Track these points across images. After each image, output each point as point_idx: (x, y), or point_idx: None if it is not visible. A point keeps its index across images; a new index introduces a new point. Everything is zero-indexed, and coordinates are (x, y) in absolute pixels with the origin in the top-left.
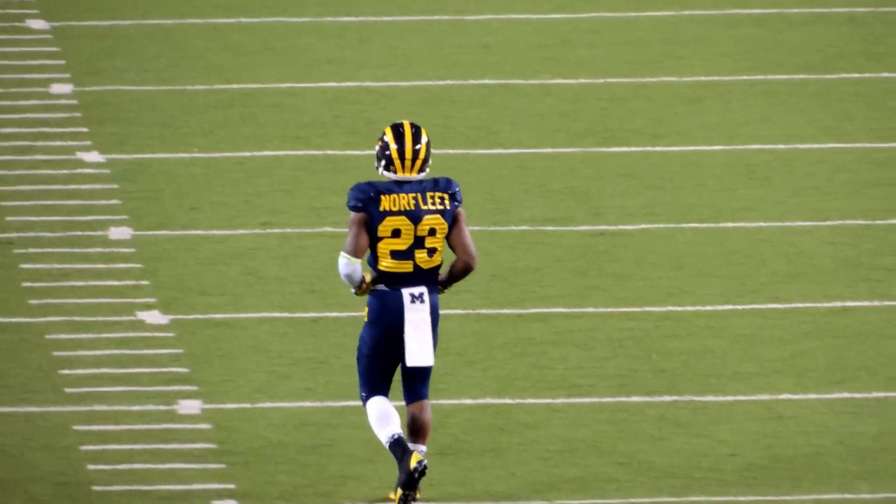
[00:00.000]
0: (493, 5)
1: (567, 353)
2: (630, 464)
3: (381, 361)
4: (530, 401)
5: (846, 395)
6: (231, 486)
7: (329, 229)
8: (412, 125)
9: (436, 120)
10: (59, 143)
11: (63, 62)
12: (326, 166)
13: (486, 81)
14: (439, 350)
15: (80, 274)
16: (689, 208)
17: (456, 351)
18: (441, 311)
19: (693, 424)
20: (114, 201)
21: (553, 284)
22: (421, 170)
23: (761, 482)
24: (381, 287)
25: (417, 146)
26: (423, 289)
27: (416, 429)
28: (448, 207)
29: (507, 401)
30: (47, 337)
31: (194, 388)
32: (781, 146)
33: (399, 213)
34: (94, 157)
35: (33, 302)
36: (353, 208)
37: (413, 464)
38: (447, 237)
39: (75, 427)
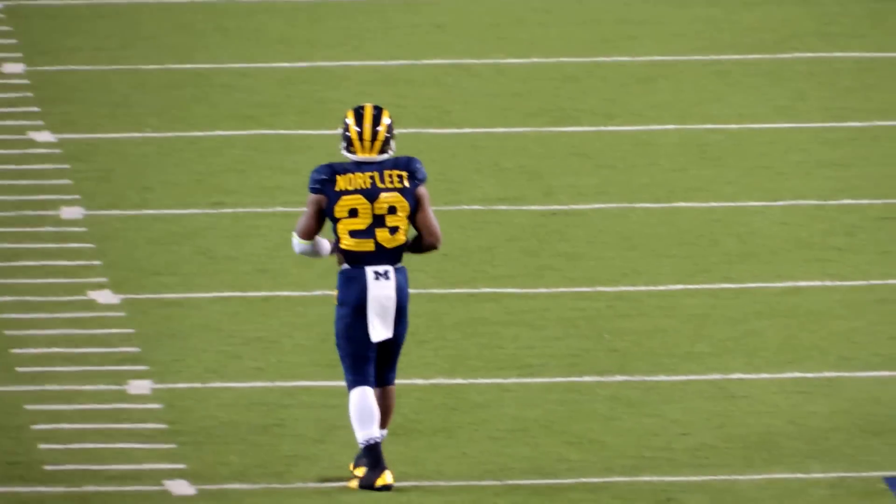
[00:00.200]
0: None
1: (518, 333)
2: (581, 443)
3: (356, 342)
4: (482, 380)
5: (798, 374)
6: (182, 465)
7: (281, 209)
8: (374, 107)
9: (388, 99)
10: (10, 122)
11: (15, 41)
12: (278, 146)
13: (439, 61)
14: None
15: (31, 254)
16: (642, 188)
17: (408, 331)
18: None
19: (644, 404)
20: (65, 181)
21: (505, 264)
22: (381, 151)
23: (713, 462)
24: (346, 266)
25: (377, 128)
26: (388, 267)
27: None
28: (408, 185)
29: (459, 381)
30: None
31: (145, 367)
32: (734, 126)
33: (355, 191)
34: (45, 136)
35: None
36: (311, 190)
37: (379, 484)
38: (411, 218)
39: (27, 406)
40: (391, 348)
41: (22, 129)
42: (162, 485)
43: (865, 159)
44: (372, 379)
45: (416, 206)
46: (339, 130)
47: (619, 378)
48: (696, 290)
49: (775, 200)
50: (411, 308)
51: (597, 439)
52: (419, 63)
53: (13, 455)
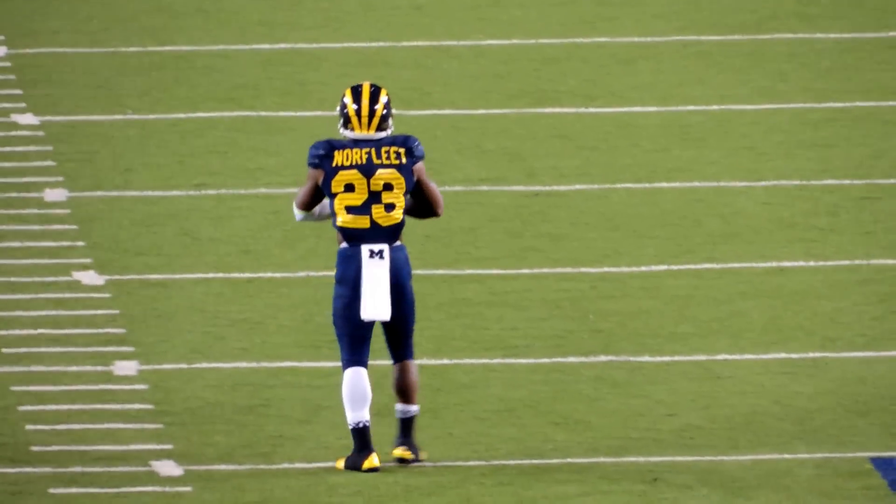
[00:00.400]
0: None
1: (503, 314)
2: (566, 424)
3: (351, 322)
4: (467, 361)
5: (782, 355)
6: (168, 446)
7: (263, 190)
8: (371, 85)
9: (369, 81)
10: None
11: None
12: (260, 127)
13: (419, 43)
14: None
15: (15, 235)
16: (624, 169)
17: None
18: None
19: (629, 385)
20: (48, 163)
21: (488, 245)
22: (379, 128)
23: (698, 442)
24: (344, 245)
25: (375, 105)
26: (383, 245)
27: (401, 390)
28: (405, 162)
29: (444, 361)
30: None
31: (130, 348)
32: (715, 107)
33: (351, 167)
34: (28, 119)
35: None
36: (310, 164)
37: (366, 466)
38: (413, 194)
39: (13, 387)
40: (399, 327)
41: (5, 112)
42: (149, 465)
43: (847, 140)
44: (366, 359)
45: (414, 182)
46: (337, 110)
47: (603, 359)
48: (680, 270)
49: (758, 181)
50: None
51: (582, 420)
52: (399, 45)
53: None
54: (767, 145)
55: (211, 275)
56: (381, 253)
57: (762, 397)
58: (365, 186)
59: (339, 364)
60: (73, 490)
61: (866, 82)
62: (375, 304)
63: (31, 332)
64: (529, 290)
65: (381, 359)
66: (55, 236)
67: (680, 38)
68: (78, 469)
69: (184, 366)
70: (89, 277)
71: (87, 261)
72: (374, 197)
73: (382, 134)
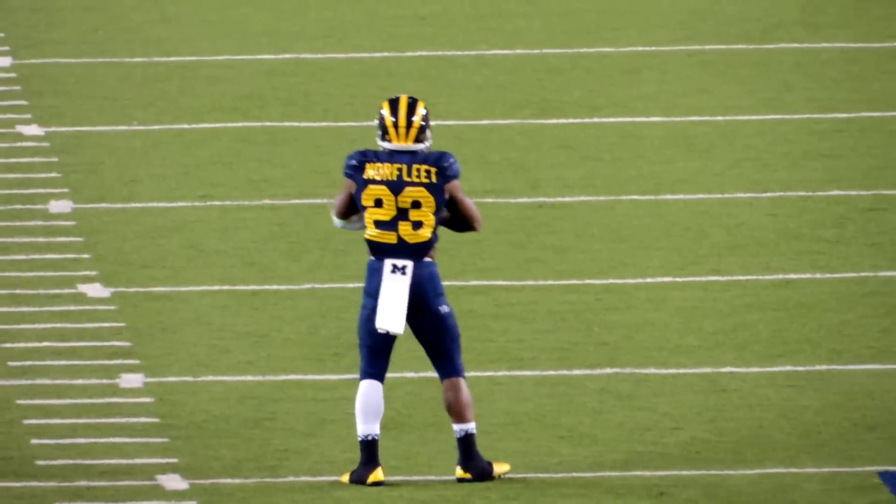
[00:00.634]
0: None
1: (508, 326)
2: (572, 437)
3: (371, 334)
4: (472, 374)
5: (789, 367)
6: (174, 460)
7: (268, 202)
8: (409, 97)
9: (373, 92)
10: None
11: (1, 35)
12: (265, 138)
13: (423, 53)
14: None
15: (20, 247)
16: (629, 180)
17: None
18: None
19: (635, 398)
20: (53, 174)
21: (493, 257)
22: (417, 140)
23: (705, 456)
24: (372, 257)
25: (412, 117)
26: (407, 262)
27: (450, 409)
28: (434, 181)
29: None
30: None
31: (136, 361)
32: (720, 117)
33: (381, 182)
34: (33, 129)
35: None
36: (345, 174)
37: (370, 480)
38: (448, 209)
39: (18, 401)
40: (432, 345)
41: (10, 123)
42: (154, 479)
43: (853, 150)
44: (383, 373)
45: (445, 201)
46: (374, 122)
47: (609, 371)
48: (685, 282)
49: (763, 192)
50: None
51: (588, 433)
52: (403, 55)
53: (5, 450)
54: (773, 156)
55: (216, 287)
56: (403, 269)
57: (768, 410)
58: (393, 203)
59: (344, 377)
60: None
61: (872, 92)
62: (389, 317)
63: (37, 344)
64: (534, 301)
65: (390, 371)
66: (60, 248)
67: (684, 48)
68: (83, 483)
69: (189, 379)
70: (95, 290)
71: (93, 273)
72: (402, 214)
73: (420, 146)
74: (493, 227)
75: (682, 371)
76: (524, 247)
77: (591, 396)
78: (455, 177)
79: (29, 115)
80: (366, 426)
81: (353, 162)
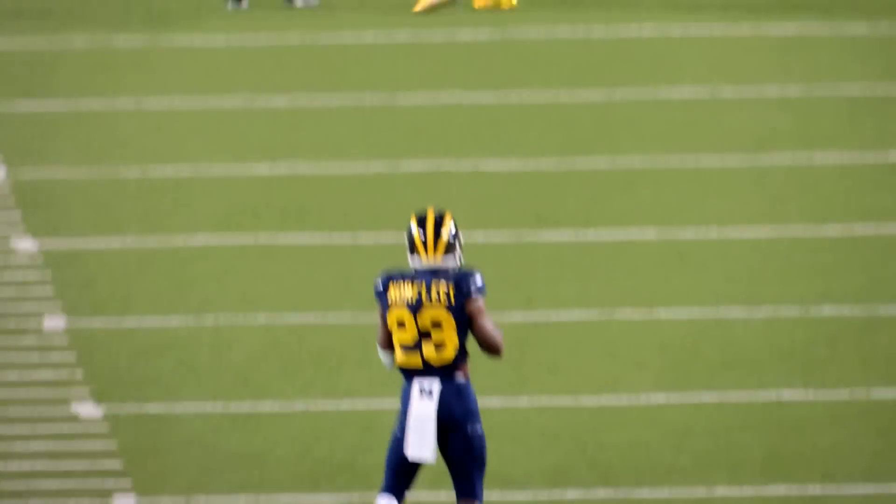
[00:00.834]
0: (425, 87)
1: (501, 446)
2: None
3: (395, 454)
4: None
5: (783, 487)
6: None
7: (262, 319)
8: (436, 211)
9: (368, 205)
10: None
11: None
12: (259, 253)
13: (418, 165)
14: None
15: (13, 365)
16: (622, 296)
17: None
18: (373, 401)
19: None
20: (47, 289)
21: (487, 375)
22: (446, 254)
23: None
24: (404, 380)
25: (440, 230)
26: (434, 383)
27: None
28: (454, 302)
29: (442, 496)
30: None
31: (129, 481)
32: (714, 231)
33: (402, 304)
34: (27, 243)
35: None
36: (377, 301)
37: None
38: (471, 329)
39: None
40: (457, 466)
41: (4, 236)
42: None
43: (847, 266)
44: (402, 494)
45: (467, 319)
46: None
47: (602, 493)
48: (678, 401)
49: (757, 308)
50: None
51: None
52: (398, 166)
53: None
54: (767, 272)
55: (209, 406)
56: (430, 391)
57: None
58: (414, 324)
59: (337, 498)
60: None
61: (866, 206)
62: (419, 445)
63: (29, 465)
64: (528, 420)
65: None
66: (53, 366)
67: (679, 160)
68: None
69: (182, 499)
70: (87, 409)
71: (85, 391)
72: (424, 335)
73: (450, 262)
74: None
75: (675, 491)
76: (518, 365)
77: None
78: (475, 296)
79: (23, 228)
80: None
81: (379, 287)
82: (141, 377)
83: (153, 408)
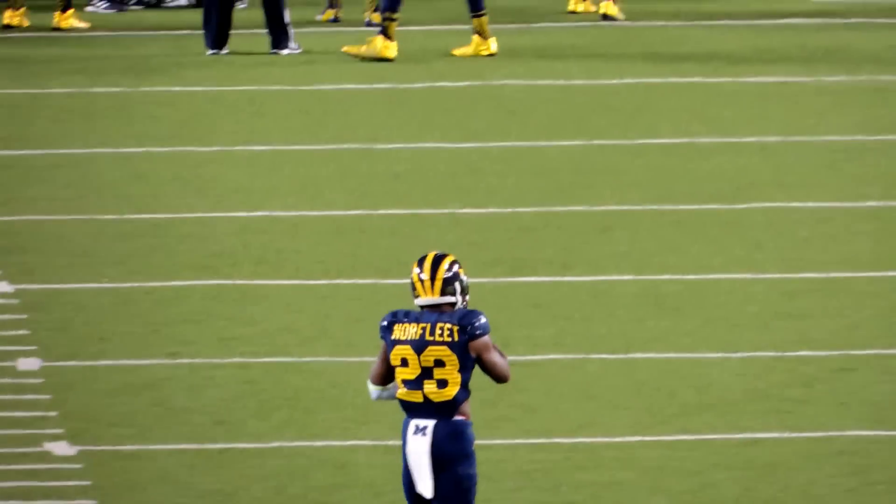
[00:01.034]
0: (404, 134)
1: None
2: None
3: (406, 488)
4: None
5: None
6: None
7: (238, 360)
8: (437, 253)
9: (345, 250)
10: None
11: None
12: (236, 295)
13: (396, 211)
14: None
15: None
16: (599, 339)
17: (364, 483)
18: (347, 441)
19: None
20: (22, 331)
21: None
22: (444, 293)
23: None
24: (406, 417)
25: (436, 268)
26: (429, 422)
27: None
28: (457, 340)
29: None
30: None
31: None
32: (691, 276)
33: (405, 342)
34: (3, 287)
35: None
36: (380, 337)
37: None
38: (479, 366)
39: None
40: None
41: None
42: None
43: (823, 310)
44: None
45: (472, 358)
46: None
47: None
48: (653, 441)
49: (733, 352)
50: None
51: None
52: (376, 213)
53: None
54: (743, 316)
55: (183, 445)
56: (424, 429)
57: None
58: (417, 362)
59: None
60: None
61: (843, 253)
62: (420, 480)
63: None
64: (503, 460)
65: None
66: (27, 406)
67: (656, 206)
68: None
69: None
70: (61, 448)
71: (59, 431)
72: (426, 373)
73: (450, 298)
74: None
75: None
76: (493, 405)
77: None
78: (480, 335)
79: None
80: None
81: (384, 323)
82: (115, 417)
83: (127, 447)
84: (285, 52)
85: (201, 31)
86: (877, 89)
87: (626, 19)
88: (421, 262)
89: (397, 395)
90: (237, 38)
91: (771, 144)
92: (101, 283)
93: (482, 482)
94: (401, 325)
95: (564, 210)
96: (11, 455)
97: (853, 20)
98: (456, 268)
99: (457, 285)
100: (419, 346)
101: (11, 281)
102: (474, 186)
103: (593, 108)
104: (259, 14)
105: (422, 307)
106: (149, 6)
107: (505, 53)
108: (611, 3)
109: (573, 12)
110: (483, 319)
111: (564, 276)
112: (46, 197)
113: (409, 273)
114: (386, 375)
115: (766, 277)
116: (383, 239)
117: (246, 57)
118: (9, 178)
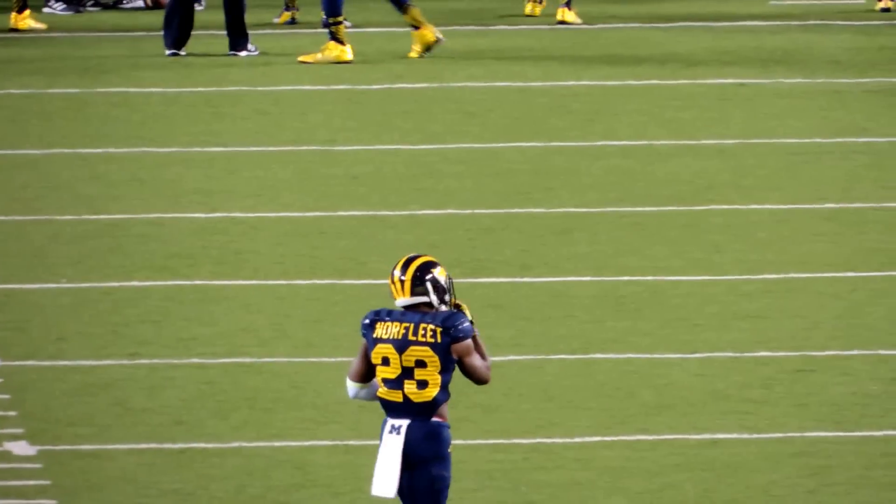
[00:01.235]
0: (362, 136)
1: None
2: None
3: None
4: None
5: None
6: None
7: (196, 360)
8: (412, 255)
9: (304, 251)
10: None
11: None
12: (194, 296)
13: (355, 212)
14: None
15: None
16: (558, 339)
17: (323, 483)
18: (306, 442)
19: None
20: None
21: None
22: (413, 293)
23: None
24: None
25: (406, 269)
26: (404, 422)
27: None
28: (439, 341)
29: None
30: None
31: None
32: (650, 277)
33: (387, 341)
34: None
35: None
36: (362, 335)
37: None
38: (459, 368)
39: None
40: None
41: None
42: None
43: (781, 311)
44: None
45: (453, 360)
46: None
47: None
48: (613, 441)
49: (692, 352)
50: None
51: None
52: (335, 214)
53: None
54: (702, 317)
55: (143, 445)
56: (398, 429)
57: None
58: (398, 362)
59: None
60: None
61: (801, 254)
62: (382, 481)
63: None
64: (462, 461)
65: None
66: None
67: (615, 208)
68: None
69: None
70: (21, 447)
71: (19, 431)
72: (407, 373)
73: (423, 298)
74: None
75: None
76: (453, 406)
77: None
78: (463, 337)
79: None
80: None
81: (366, 321)
82: (74, 417)
83: (87, 447)
84: (243, 53)
85: (159, 33)
86: (834, 91)
87: (582, 23)
88: (395, 265)
89: (378, 394)
90: (194, 39)
91: (729, 147)
92: (59, 283)
93: None
94: (383, 323)
95: (523, 211)
96: None
97: (810, 22)
98: (433, 269)
99: (428, 285)
100: (401, 345)
101: None
102: (433, 188)
103: (552, 110)
104: (216, 16)
105: (403, 308)
106: (106, 8)
107: (463, 55)
108: (566, 9)
109: (530, 15)
110: (466, 323)
111: (523, 277)
112: (3, 197)
113: (367, 274)
114: (366, 373)
115: (725, 279)
116: (342, 240)
117: (203, 58)
118: None
